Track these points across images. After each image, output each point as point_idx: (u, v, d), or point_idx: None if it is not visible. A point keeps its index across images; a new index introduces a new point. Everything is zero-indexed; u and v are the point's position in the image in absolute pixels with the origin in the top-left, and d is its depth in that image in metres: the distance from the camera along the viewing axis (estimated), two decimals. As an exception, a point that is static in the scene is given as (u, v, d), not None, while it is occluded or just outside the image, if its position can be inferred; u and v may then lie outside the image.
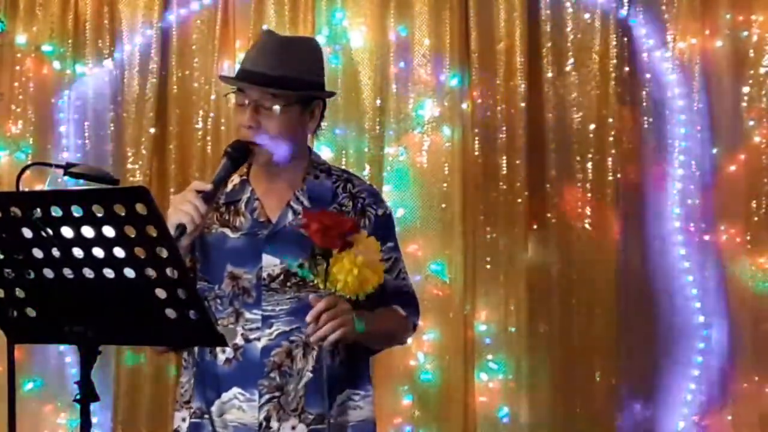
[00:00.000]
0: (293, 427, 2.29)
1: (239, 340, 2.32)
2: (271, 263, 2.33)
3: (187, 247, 2.30)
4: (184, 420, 2.41)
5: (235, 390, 2.32)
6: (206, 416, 2.35)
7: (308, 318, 2.18)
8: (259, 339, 2.31)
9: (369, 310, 2.30)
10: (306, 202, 2.39)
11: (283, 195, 2.40)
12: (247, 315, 2.33)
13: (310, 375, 2.30)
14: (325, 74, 2.47)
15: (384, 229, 2.43)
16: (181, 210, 2.21)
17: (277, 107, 2.32)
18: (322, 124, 2.50)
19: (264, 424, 2.29)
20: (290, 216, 2.37)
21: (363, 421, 2.40)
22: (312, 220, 2.14)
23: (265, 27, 4.23)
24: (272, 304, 2.31)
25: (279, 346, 2.30)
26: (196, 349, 2.38)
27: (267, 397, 2.30)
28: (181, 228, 2.18)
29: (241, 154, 2.33)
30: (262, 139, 2.33)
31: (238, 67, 2.49)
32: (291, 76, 2.33)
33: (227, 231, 2.40)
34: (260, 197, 2.41)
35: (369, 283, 2.16)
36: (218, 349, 2.33)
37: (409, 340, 2.69)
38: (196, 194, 2.23)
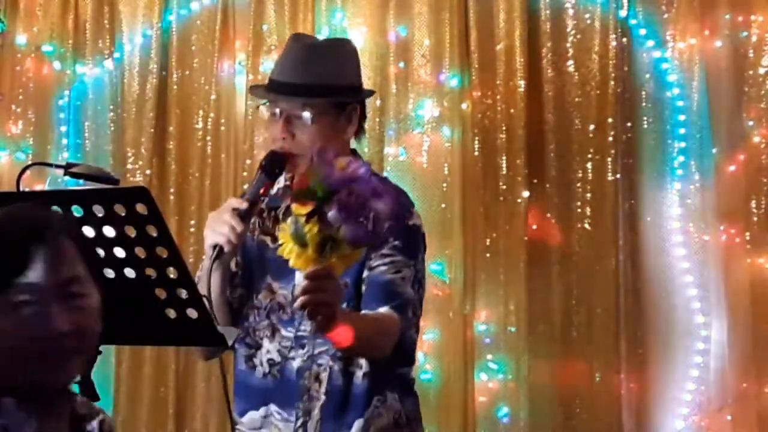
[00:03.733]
0: None
1: (275, 356, 2.30)
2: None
3: (226, 265, 2.27)
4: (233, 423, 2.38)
5: (273, 407, 2.30)
6: (237, 427, 2.34)
7: (305, 275, 1.93)
8: (294, 359, 2.29)
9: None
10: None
11: None
12: (283, 332, 2.30)
13: (324, 398, 2.27)
14: (361, 75, 2.41)
15: (394, 231, 2.17)
16: (218, 231, 2.18)
17: (308, 116, 2.27)
18: (365, 125, 2.44)
19: None
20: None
21: (386, 428, 2.34)
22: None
23: (265, 27, 4.24)
24: (305, 325, 2.27)
25: (309, 369, 2.28)
26: (233, 357, 2.37)
27: (302, 420, 2.28)
28: (219, 249, 2.17)
29: (276, 166, 2.29)
30: (297, 149, 2.28)
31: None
32: (320, 83, 2.28)
33: (268, 240, 2.36)
34: None
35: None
36: (256, 360, 2.32)
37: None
38: (232, 213, 2.19)
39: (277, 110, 2.30)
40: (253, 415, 2.32)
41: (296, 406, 2.27)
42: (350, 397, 2.29)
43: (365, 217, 1.83)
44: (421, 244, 2.37)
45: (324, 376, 2.28)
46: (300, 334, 2.28)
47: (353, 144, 2.49)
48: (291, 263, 1.89)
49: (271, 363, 2.30)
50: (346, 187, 1.83)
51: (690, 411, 3.96)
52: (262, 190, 2.28)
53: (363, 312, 2.24)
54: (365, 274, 2.27)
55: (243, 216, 2.20)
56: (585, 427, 4.00)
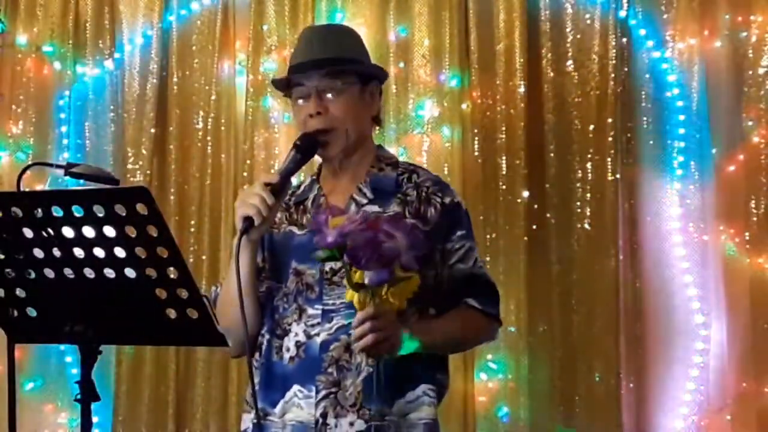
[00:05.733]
0: (351, 423, 2.21)
1: (301, 337, 2.28)
2: None
3: (256, 243, 2.27)
4: (252, 421, 2.34)
5: (296, 388, 2.26)
6: (269, 418, 2.30)
7: (353, 323, 2.11)
8: (318, 334, 2.26)
9: (434, 307, 2.30)
10: (369, 194, 2.34)
11: (348, 190, 2.37)
12: (309, 311, 2.28)
13: (369, 369, 2.22)
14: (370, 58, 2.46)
15: (451, 216, 2.37)
16: (248, 203, 2.16)
17: (338, 88, 2.30)
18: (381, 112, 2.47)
19: (321, 420, 2.23)
20: (353, 208, 2.32)
21: (435, 419, 2.35)
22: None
23: (265, 28, 4.25)
24: (333, 298, 2.26)
25: (337, 341, 2.24)
26: (263, 349, 2.34)
27: (324, 393, 2.23)
28: (249, 220, 2.15)
29: (309, 145, 2.29)
30: (331, 123, 2.30)
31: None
32: (343, 56, 2.32)
33: (294, 229, 2.37)
34: (326, 194, 2.39)
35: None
36: (284, 348, 2.30)
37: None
38: (263, 186, 2.18)
39: (302, 100, 2.33)
40: (281, 403, 2.29)
41: (315, 379, 2.24)
42: (405, 372, 2.26)
43: (377, 257, 1.98)
44: (471, 222, 2.47)
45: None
46: (327, 308, 2.27)
47: (376, 140, 2.52)
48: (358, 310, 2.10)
49: (298, 345, 2.28)
50: (350, 240, 1.99)
51: (690, 411, 3.96)
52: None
53: (451, 311, 2.34)
54: (445, 272, 2.35)
55: (275, 191, 2.19)
56: (585, 427, 4.01)
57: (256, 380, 2.34)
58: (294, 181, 2.36)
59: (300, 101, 2.34)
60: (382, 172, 2.39)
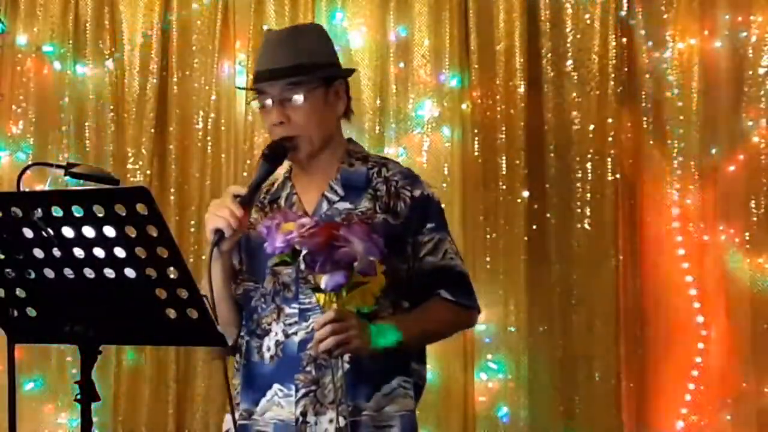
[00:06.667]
0: (331, 420, 2.24)
1: (280, 336, 2.31)
2: None
3: (228, 253, 2.30)
4: (235, 423, 2.36)
5: (276, 387, 2.30)
6: (253, 417, 2.33)
7: (315, 326, 2.16)
8: (296, 333, 2.29)
9: (408, 300, 2.33)
10: (340, 191, 2.37)
11: (320, 186, 2.39)
12: (287, 310, 2.31)
13: (348, 366, 2.25)
14: (337, 54, 2.47)
15: (420, 210, 2.39)
16: (217, 215, 2.20)
17: (299, 96, 2.32)
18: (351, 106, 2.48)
19: (300, 419, 2.26)
20: (325, 206, 2.36)
21: (412, 411, 2.37)
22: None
23: (265, 27, 4.25)
24: (309, 297, 2.28)
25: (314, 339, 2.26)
26: (243, 350, 2.37)
27: (303, 391, 2.27)
28: (219, 233, 2.19)
29: (277, 154, 2.33)
30: (295, 131, 2.33)
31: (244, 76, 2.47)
32: (304, 63, 2.33)
33: None
34: (299, 192, 2.41)
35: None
36: (264, 347, 2.32)
37: (479, 320, 2.62)
38: (232, 199, 2.22)
39: (268, 101, 2.35)
40: (262, 402, 2.32)
41: (295, 378, 2.27)
42: (382, 366, 2.29)
43: (332, 261, 2.05)
44: (443, 213, 2.48)
45: None
46: (304, 307, 2.30)
47: (348, 133, 2.54)
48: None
49: (277, 344, 2.31)
50: (302, 245, 2.06)
51: (690, 411, 3.96)
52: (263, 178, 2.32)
53: (420, 306, 2.36)
54: (415, 265, 2.37)
55: (243, 202, 2.23)
56: (585, 427, 4.01)
57: (236, 381, 2.39)
58: (280, 170, 2.40)
59: (267, 104, 2.36)
60: (353, 167, 2.42)
